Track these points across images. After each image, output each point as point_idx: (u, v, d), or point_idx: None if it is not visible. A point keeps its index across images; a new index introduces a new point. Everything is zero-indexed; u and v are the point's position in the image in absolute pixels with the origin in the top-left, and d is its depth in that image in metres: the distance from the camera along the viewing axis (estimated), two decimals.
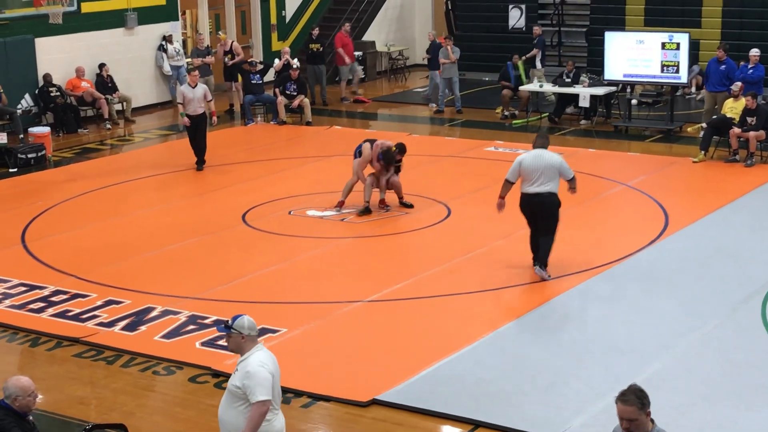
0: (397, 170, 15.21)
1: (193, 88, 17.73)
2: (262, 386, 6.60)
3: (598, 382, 9.35)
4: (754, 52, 19.42)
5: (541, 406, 8.99)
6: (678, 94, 22.04)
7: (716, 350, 10.08)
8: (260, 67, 22.71)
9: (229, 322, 6.84)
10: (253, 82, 22.19)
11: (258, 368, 6.65)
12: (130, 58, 23.38)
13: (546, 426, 8.60)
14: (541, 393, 9.24)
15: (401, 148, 15.17)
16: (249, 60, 23.20)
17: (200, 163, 18.04)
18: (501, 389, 9.32)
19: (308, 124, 21.74)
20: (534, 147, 12.18)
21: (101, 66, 22.38)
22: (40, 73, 21.46)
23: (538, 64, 23.40)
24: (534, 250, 12.30)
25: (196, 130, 17.86)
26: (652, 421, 5.92)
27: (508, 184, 12.20)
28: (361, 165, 15.10)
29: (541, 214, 12.03)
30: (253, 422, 6.62)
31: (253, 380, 6.62)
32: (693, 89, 23.21)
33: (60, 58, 21.93)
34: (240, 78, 23.08)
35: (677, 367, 9.71)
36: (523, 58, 22.85)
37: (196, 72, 18.38)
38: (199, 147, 17.99)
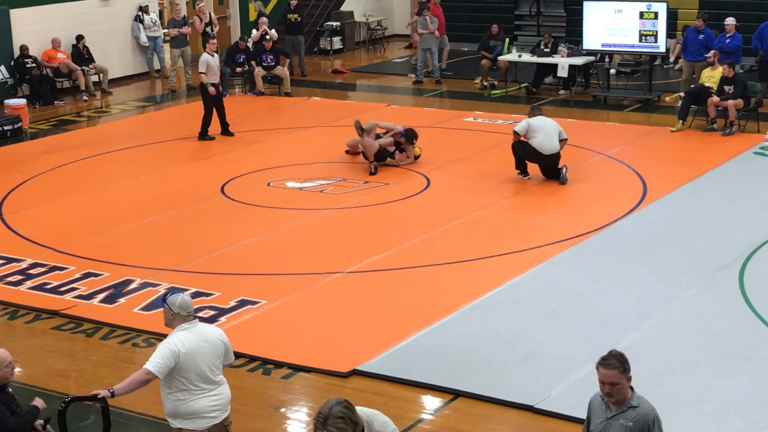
0: (400, 148, 16.10)
1: (212, 56, 17.91)
2: (155, 356, 6.74)
3: (577, 352, 9.40)
4: (730, 21, 19.38)
5: (520, 375, 9.03)
6: (656, 63, 22.05)
7: (694, 320, 10.14)
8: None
9: (167, 295, 6.91)
10: (238, 61, 22.02)
11: (162, 345, 6.79)
12: (107, 29, 23.17)
13: (526, 395, 8.65)
14: (521, 363, 9.28)
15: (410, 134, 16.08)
16: (241, 36, 23.05)
17: (227, 129, 18.10)
18: (481, 359, 9.36)
19: (287, 95, 21.64)
20: (533, 116, 14.64)
21: (78, 38, 22.17)
22: (16, 45, 21.25)
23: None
24: (523, 171, 14.85)
25: (217, 99, 17.92)
26: (632, 388, 5.97)
27: (516, 135, 14.58)
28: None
29: (551, 162, 14.77)
30: (129, 382, 6.87)
31: (154, 352, 6.77)
32: (672, 58, 23.19)
33: (36, 29, 21.71)
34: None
35: (656, 337, 9.77)
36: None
37: (215, 40, 18.41)
38: (222, 115, 18.04)
